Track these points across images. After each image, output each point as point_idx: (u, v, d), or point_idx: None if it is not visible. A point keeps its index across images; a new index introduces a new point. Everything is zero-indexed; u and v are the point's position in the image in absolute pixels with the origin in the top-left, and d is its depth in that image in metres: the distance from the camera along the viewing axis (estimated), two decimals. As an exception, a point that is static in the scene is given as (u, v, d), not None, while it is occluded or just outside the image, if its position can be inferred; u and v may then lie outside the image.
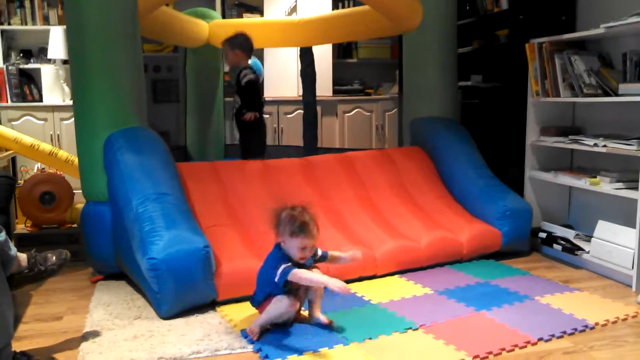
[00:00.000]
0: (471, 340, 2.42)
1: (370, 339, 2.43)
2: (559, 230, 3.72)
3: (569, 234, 3.66)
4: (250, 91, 4.18)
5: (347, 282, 3.05)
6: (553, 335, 2.46)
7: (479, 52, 4.90)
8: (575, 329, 2.52)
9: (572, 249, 3.47)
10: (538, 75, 3.77)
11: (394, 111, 6.27)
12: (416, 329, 2.53)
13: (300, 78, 5.65)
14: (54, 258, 2.46)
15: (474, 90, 4.91)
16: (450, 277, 3.23)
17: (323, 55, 6.02)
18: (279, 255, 2.50)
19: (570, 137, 3.63)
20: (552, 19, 4.04)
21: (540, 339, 2.42)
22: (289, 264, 2.44)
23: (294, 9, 6.04)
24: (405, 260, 3.28)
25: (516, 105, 4.05)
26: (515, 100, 4.07)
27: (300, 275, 2.42)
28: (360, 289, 3.04)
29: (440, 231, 3.46)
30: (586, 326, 2.56)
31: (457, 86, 4.42)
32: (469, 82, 4.90)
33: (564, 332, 2.49)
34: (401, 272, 3.28)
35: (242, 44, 4.24)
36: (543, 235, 3.71)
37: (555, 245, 3.58)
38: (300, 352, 2.32)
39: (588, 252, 3.39)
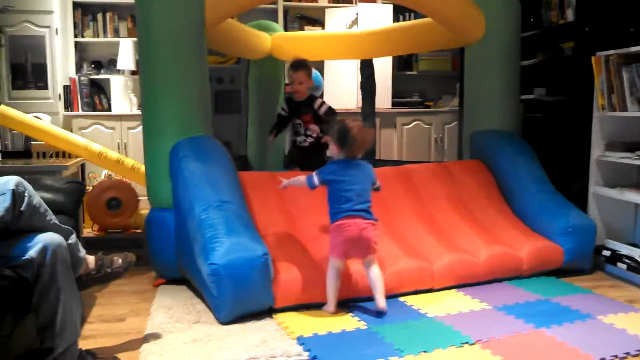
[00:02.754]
0: (530, 357, 2.37)
1: (425, 352, 2.42)
2: (624, 249, 3.60)
3: (635, 252, 3.53)
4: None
5: (403, 294, 3.07)
6: (616, 356, 2.38)
7: (543, 65, 4.82)
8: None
9: (637, 268, 3.35)
10: (604, 89, 3.68)
11: (453, 124, 6.22)
12: (473, 344, 2.50)
13: (359, 90, 5.67)
14: (120, 261, 2.54)
15: (537, 103, 4.83)
16: (509, 292, 3.17)
17: (383, 67, 6.03)
18: None
19: (637, 152, 3.52)
20: (620, 31, 3.94)
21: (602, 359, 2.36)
22: None
23: (354, 22, 6.09)
24: (463, 275, 3.25)
25: (581, 119, 3.96)
26: (580, 114, 3.98)
27: None
28: (416, 302, 3.03)
29: (500, 246, 3.41)
30: (651, 348, 2.47)
31: (520, 99, 4.35)
32: (532, 95, 4.82)
33: (628, 353, 2.41)
34: (459, 287, 3.24)
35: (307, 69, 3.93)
36: (607, 253, 3.61)
37: (619, 264, 3.47)
38: (355, 362, 2.33)
39: (655, 272, 3.28)
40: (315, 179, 2.91)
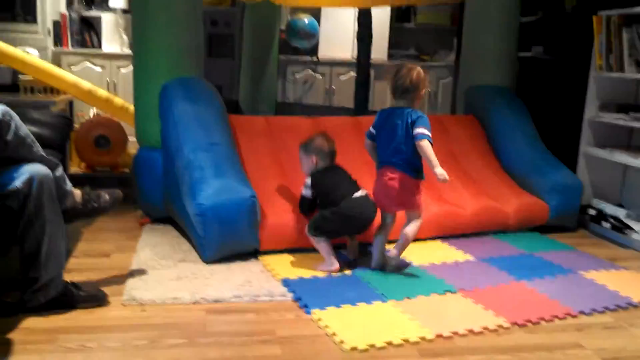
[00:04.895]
0: (510, 307, 2.40)
1: (408, 298, 2.45)
2: (610, 209, 3.63)
3: (620, 212, 3.57)
4: None
5: (389, 242, 3.07)
6: (594, 310, 2.42)
7: (543, 22, 4.75)
8: (619, 306, 2.48)
9: (621, 227, 3.39)
10: (603, 49, 3.64)
11: (448, 79, 6.17)
12: (455, 292, 2.53)
13: (356, 40, 5.59)
14: (107, 197, 2.52)
15: (534, 61, 4.78)
16: (493, 246, 3.20)
17: (381, 18, 5.93)
18: None
19: (631, 114, 3.51)
20: (623, -9, 3.87)
21: (581, 312, 2.40)
22: None
23: (354, -31, 5.95)
24: (449, 225, 3.27)
25: (576, 79, 3.92)
26: (576, 74, 3.94)
27: None
28: (401, 250, 3.04)
29: (487, 200, 3.42)
30: (630, 304, 2.51)
31: (517, 56, 4.30)
32: (529, 52, 4.77)
33: (606, 308, 2.45)
34: (444, 238, 3.26)
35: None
36: (593, 212, 3.63)
37: (604, 223, 3.50)
38: (338, 304, 2.35)
39: (638, 232, 3.30)
40: (371, 128, 2.79)
